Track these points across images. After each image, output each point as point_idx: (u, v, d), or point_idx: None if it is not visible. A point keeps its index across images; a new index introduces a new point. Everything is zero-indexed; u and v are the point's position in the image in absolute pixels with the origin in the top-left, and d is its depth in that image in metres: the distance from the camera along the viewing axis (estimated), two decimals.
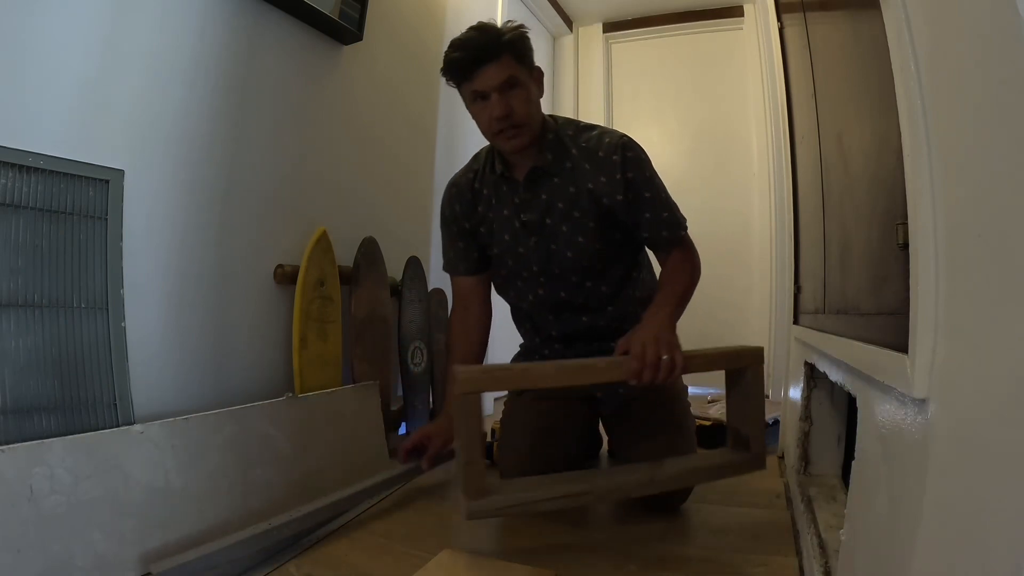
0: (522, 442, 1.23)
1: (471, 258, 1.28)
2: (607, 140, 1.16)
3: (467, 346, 1.31)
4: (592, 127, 1.21)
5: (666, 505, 1.17)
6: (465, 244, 1.27)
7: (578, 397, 1.28)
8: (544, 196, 1.18)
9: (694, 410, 1.34)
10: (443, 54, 1.12)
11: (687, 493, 1.20)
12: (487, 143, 1.20)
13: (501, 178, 1.20)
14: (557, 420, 1.25)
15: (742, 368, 1.05)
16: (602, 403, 1.30)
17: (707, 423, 1.62)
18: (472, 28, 1.11)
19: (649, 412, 1.21)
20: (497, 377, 1.05)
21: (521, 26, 1.12)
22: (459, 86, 1.13)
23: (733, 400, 1.09)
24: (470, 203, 1.25)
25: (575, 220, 1.16)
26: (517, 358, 1.39)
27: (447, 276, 1.97)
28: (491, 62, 1.06)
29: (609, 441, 1.41)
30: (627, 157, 1.14)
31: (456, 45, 1.10)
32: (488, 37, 1.07)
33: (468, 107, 1.16)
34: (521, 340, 1.42)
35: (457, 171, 1.31)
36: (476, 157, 1.28)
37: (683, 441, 1.19)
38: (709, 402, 1.97)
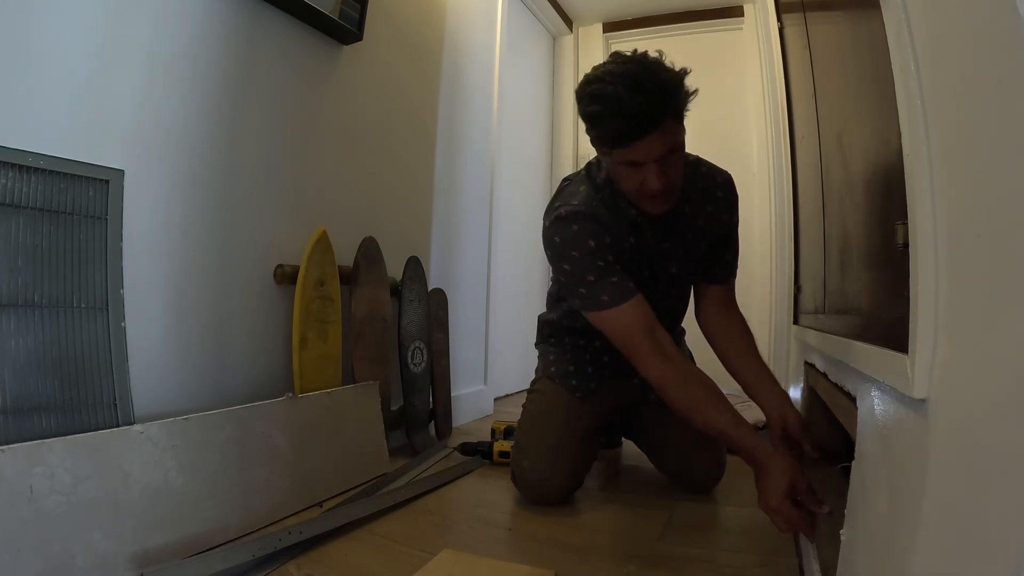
0: (553, 453, 1.22)
1: (632, 280, 1.08)
2: (719, 179, 1.17)
3: (721, 394, 1.03)
4: (698, 162, 1.18)
5: (700, 486, 1.27)
6: (621, 268, 1.08)
7: (618, 403, 1.32)
8: (670, 245, 1.15)
9: None
10: (583, 100, 0.92)
11: (721, 474, 1.27)
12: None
13: (635, 223, 1.10)
14: (589, 429, 1.27)
15: None
16: (639, 410, 1.34)
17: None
18: (635, 82, 0.88)
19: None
20: None
21: (681, 74, 0.93)
22: (610, 150, 0.96)
23: None
24: (619, 235, 1.09)
25: (687, 262, 1.19)
26: (559, 368, 1.31)
27: (447, 276, 1.96)
28: (653, 131, 0.90)
29: (638, 439, 1.43)
30: (735, 199, 1.19)
31: (615, 108, 0.89)
32: (655, 105, 0.88)
33: (613, 166, 1.00)
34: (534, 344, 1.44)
35: (569, 198, 1.10)
36: (596, 184, 1.10)
37: (714, 442, 1.24)
38: (744, 403, 1.95)
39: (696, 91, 0.95)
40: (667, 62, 0.95)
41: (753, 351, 1.19)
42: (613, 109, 0.89)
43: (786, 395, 1.12)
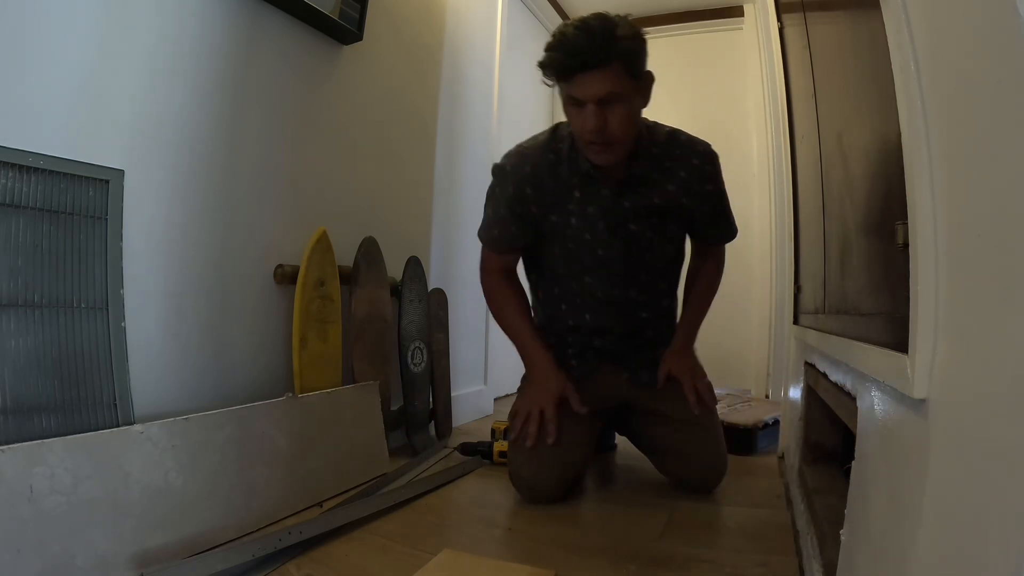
0: (545, 449, 1.21)
1: (519, 242, 1.25)
2: (699, 148, 1.20)
3: (525, 309, 1.30)
4: (676, 132, 1.21)
5: (701, 486, 1.26)
6: (519, 228, 1.21)
7: (606, 395, 1.32)
8: (631, 204, 1.17)
9: (722, 412, 1.42)
10: (546, 44, 1.02)
11: (722, 475, 1.27)
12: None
13: (589, 176, 1.14)
14: (582, 430, 1.27)
15: None
16: (633, 409, 1.33)
17: (739, 426, 1.61)
18: (584, 23, 0.98)
19: (680, 418, 1.25)
20: None
21: (638, 30, 1.02)
22: (556, 83, 1.04)
23: None
24: (549, 189, 1.17)
25: (660, 227, 1.21)
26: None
27: (447, 276, 1.97)
28: (595, 69, 0.97)
29: (636, 439, 1.43)
30: (715, 170, 1.21)
31: (559, 43, 0.99)
32: (596, 42, 0.96)
33: (564, 106, 1.09)
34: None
35: (525, 142, 1.21)
36: (556, 136, 1.18)
37: (714, 444, 1.25)
38: (744, 403, 1.95)
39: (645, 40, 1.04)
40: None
41: (701, 298, 1.33)
42: (559, 43, 0.99)
43: (688, 345, 1.29)
